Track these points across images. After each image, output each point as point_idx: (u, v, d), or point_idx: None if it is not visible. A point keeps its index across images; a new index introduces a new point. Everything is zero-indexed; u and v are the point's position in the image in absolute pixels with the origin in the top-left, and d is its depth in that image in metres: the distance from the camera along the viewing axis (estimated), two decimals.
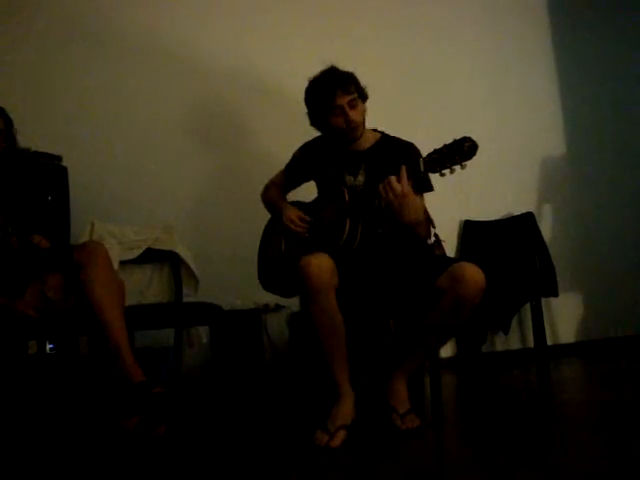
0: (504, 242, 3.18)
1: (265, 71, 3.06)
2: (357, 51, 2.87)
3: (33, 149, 2.41)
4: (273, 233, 2.21)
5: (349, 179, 2.05)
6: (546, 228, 3.34)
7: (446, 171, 1.70)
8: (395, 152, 2.04)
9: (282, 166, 2.31)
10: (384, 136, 2.13)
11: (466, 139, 1.66)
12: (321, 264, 1.76)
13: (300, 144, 2.23)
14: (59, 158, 2.57)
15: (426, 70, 3.28)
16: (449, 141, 1.69)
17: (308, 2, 3.18)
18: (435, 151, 1.72)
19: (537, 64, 3.50)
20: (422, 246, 1.99)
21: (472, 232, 3.25)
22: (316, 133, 2.17)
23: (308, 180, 2.24)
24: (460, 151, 1.66)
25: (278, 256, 2.13)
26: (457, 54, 3.35)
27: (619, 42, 3.63)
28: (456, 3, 3.39)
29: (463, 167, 1.68)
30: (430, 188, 1.98)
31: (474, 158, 1.67)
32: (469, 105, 3.32)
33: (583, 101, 3.55)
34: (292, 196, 2.31)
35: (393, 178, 1.77)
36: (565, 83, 3.53)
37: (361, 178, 2.05)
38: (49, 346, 2.42)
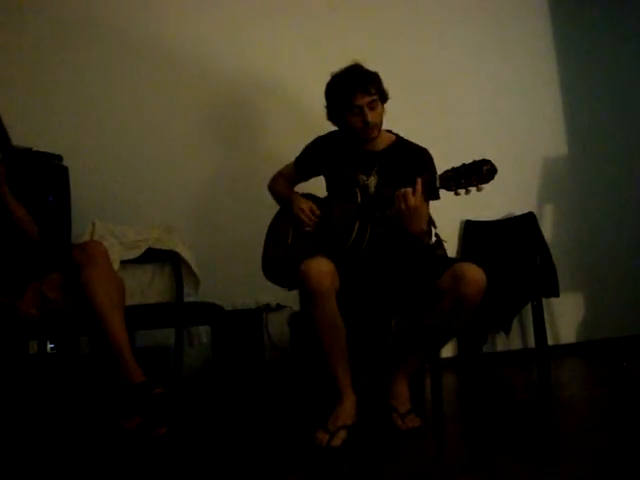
0: (505, 242, 3.17)
1: (268, 71, 3.05)
2: (358, 51, 2.87)
3: (34, 149, 2.42)
4: (281, 224, 2.20)
5: (361, 178, 2.05)
6: (547, 228, 3.33)
7: (461, 191, 1.68)
8: (409, 157, 2.03)
9: (284, 166, 2.30)
10: (399, 139, 2.12)
11: (485, 162, 1.64)
12: (321, 268, 1.77)
13: (302, 144, 2.22)
14: (59, 157, 2.57)
15: (427, 70, 3.27)
16: (468, 161, 1.67)
17: (312, 5, 3.17)
18: (452, 169, 1.70)
19: (538, 64, 3.49)
20: (423, 247, 1.98)
21: (473, 232, 3.25)
22: (318, 132, 2.17)
23: (318, 174, 2.21)
24: (478, 173, 1.64)
25: (284, 247, 2.13)
26: (458, 54, 3.34)
27: (621, 42, 3.61)
28: (457, 4, 3.39)
29: (479, 190, 1.65)
30: (437, 197, 1.98)
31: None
32: (470, 105, 3.32)
33: (584, 101, 3.54)
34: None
35: (409, 190, 1.76)
36: (566, 83, 3.52)
37: (373, 179, 2.04)
38: (50, 346, 2.42)
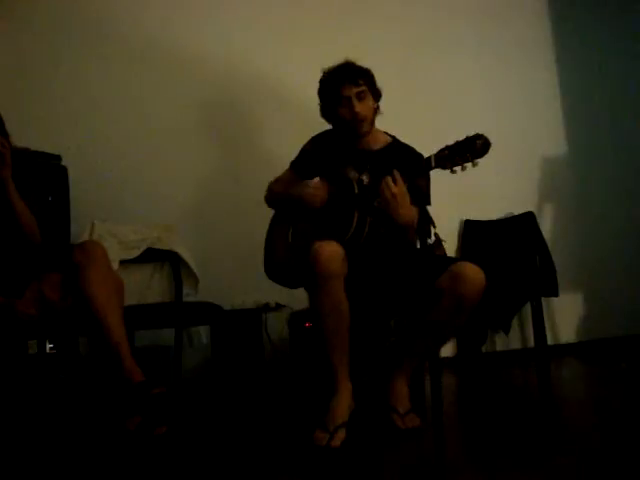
0: (505, 242, 3.17)
1: (265, 72, 3.05)
2: (357, 51, 2.87)
3: (33, 149, 2.41)
4: (280, 225, 2.19)
5: (354, 176, 2.05)
6: (547, 228, 3.33)
7: (457, 168, 1.67)
8: (402, 159, 2.03)
9: (283, 166, 2.29)
10: (395, 141, 2.12)
11: (478, 136, 1.63)
12: (332, 250, 1.76)
13: (301, 143, 2.22)
14: (58, 158, 2.56)
15: (426, 70, 3.28)
16: (461, 137, 1.67)
17: (312, 5, 3.17)
18: (446, 147, 1.70)
19: (538, 63, 3.49)
20: (422, 246, 1.98)
21: (473, 232, 3.25)
22: (317, 131, 2.17)
23: (315, 175, 2.18)
24: (472, 148, 1.63)
25: (285, 246, 2.13)
26: (457, 54, 3.35)
27: (620, 42, 3.62)
28: (456, 3, 3.39)
29: (475, 165, 1.65)
30: (427, 202, 1.99)
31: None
32: (469, 105, 3.32)
33: (584, 101, 3.54)
34: None
35: (389, 178, 1.81)
36: (566, 82, 3.52)
37: (365, 178, 2.04)
38: (49, 346, 2.42)
